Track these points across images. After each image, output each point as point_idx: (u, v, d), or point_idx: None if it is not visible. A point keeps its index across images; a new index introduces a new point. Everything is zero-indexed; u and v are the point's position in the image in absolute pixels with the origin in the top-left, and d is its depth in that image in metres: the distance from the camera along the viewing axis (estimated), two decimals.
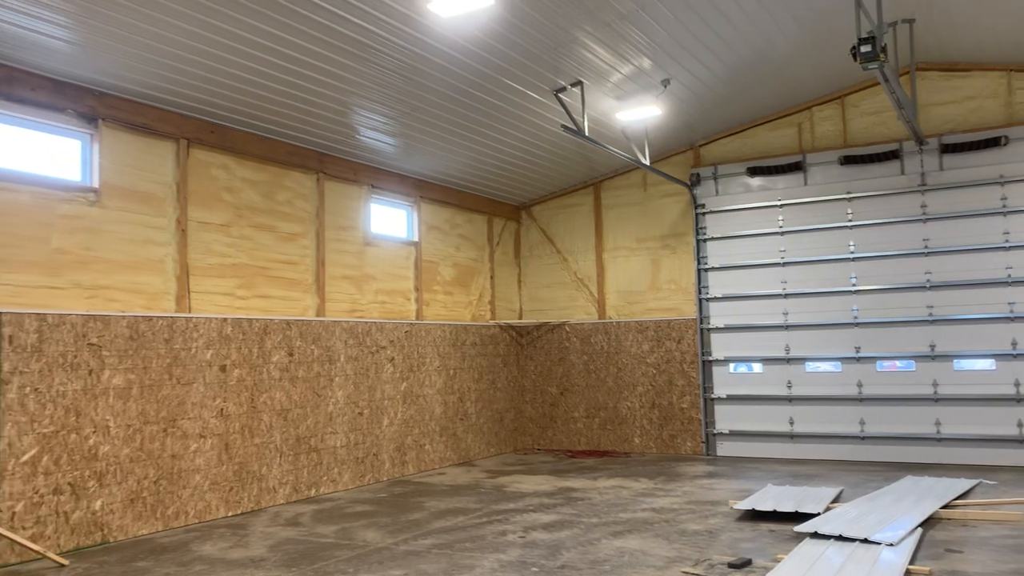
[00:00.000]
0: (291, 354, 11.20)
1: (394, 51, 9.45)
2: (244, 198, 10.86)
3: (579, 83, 11.33)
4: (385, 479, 12.73)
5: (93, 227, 9.02)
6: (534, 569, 7.29)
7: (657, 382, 15.27)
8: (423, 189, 14.25)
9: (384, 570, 7.39)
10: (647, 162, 13.37)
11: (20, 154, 8.57)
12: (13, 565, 7.84)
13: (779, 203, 14.47)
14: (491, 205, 16.11)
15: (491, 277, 16.10)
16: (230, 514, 10.15)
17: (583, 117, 11.57)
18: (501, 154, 13.69)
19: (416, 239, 14.14)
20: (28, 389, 8.15)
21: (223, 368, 10.20)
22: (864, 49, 8.61)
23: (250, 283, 10.86)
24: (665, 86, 11.98)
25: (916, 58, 12.25)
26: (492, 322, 15.87)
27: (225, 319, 10.29)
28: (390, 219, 13.81)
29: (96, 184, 9.10)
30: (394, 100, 10.87)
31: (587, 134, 11.69)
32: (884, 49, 8.65)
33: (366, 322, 12.62)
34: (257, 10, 8.10)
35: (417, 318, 13.96)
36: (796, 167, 14.34)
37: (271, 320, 10.94)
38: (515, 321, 16.24)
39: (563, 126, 11.41)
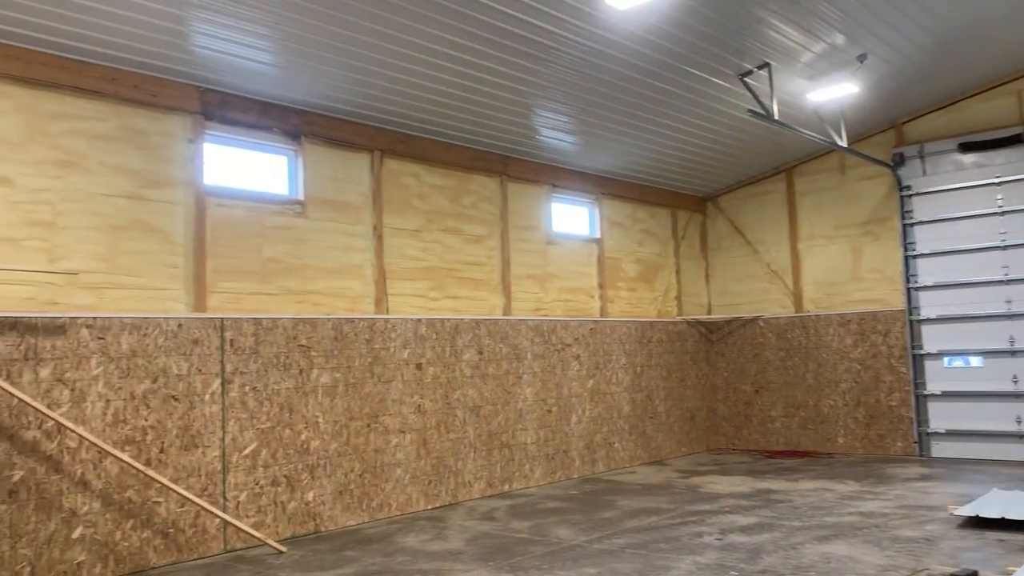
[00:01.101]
0: (481, 352, 11.48)
1: (572, 48, 9.44)
2: (433, 203, 11.25)
3: (766, 65, 10.80)
4: (575, 476, 12.76)
5: (299, 237, 9.67)
6: (733, 573, 7.01)
7: (862, 378, 14.30)
8: (604, 185, 14.16)
9: (578, 568, 7.38)
10: (844, 143, 12.55)
11: (235, 172, 9.34)
12: (239, 550, 8.55)
13: (997, 180, 13.12)
14: (674, 198, 15.75)
15: (676, 272, 15.74)
16: (429, 507, 10.55)
17: (771, 100, 11.02)
18: (684, 145, 13.35)
19: (598, 236, 14.07)
20: (247, 388, 8.86)
21: (419, 366, 10.62)
22: None
23: (441, 285, 11.24)
24: (861, 62, 11.17)
25: None
26: (679, 318, 15.51)
27: (419, 320, 10.71)
28: (571, 217, 13.83)
29: (301, 196, 9.75)
30: (573, 98, 10.87)
31: (776, 118, 11.13)
32: None
33: (551, 320, 12.71)
34: (442, 21, 8.35)
35: (601, 315, 13.89)
36: (1016, 140, 12.93)
37: (461, 320, 11.27)
38: (704, 317, 15.78)
39: (750, 111, 10.95)
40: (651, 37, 9.50)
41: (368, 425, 9.96)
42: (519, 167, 12.53)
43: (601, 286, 13.96)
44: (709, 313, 16.38)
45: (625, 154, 13.33)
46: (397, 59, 8.99)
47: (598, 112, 11.44)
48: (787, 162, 15.26)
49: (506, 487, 11.63)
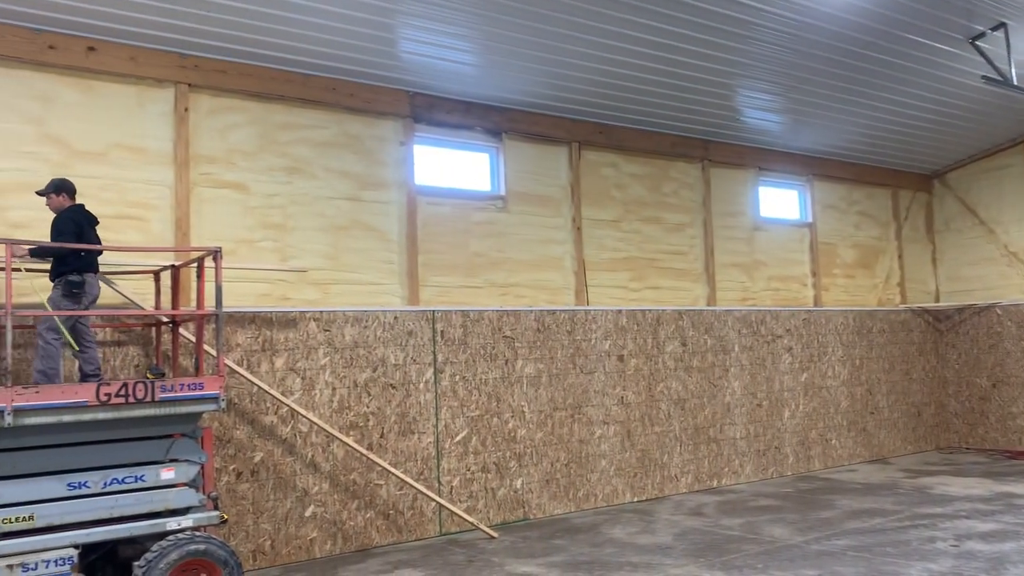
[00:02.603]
0: (684, 344, 11.22)
1: (778, 23, 8.97)
2: (631, 193, 11.13)
3: (1001, 25, 9.72)
4: (789, 474, 12.17)
5: (502, 231, 9.90)
6: None
7: None
8: (815, 166, 13.36)
9: (795, 569, 7.02)
10: None
11: (441, 171, 9.72)
12: (453, 533, 8.90)
13: None
14: (895, 176, 14.57)
15: (899, 256, 14.57)
16: (635, 499, 10.46)
17: (1009, 64, 9.91)
18: (905, 119, 12.31)
19: (810, 220, 13.32)
20: (458, 377, 9.20)
21: (620, 358, 10.56)
22: None
23: (641, 275, 11.10)
24: None
25: None
26: (902, 306, 14.35)
27: (620, 311, 10.64)
28: (779, 201, 13.18)
29: (503, 192, 9.98)
30: (780, 75, 10.34)
31: (1016, 83, 10.00)
32: None
33: (759, 310, 12.19)
34: (638, 6, 8.23)
35: (815, 304, 13.13)
36: None
37: (663, 311, 11.07)
38: (931, 304, 14.51)
39: (984, 77, 9.91)
40: (866, 5, 8.83)
41: (572, 415, 10.04)
42: (722, 151, 12.11)
43: (814, 273, 13.20)
44: (937, 300, 15.03)
45: (839, 132, 12.51)
46: (594, 48, 8.96)
47: (808, 88, 10.80)
48: None
49: (714, 483, 11.31)
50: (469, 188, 9.85)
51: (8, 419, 5.43)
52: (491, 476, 9.30)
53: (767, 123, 11.86)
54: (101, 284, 6.69)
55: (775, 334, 12.31)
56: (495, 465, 9.35)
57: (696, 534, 8.51)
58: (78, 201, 6.60)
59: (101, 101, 7.53)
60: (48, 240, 6.28)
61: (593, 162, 10.79)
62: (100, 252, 6.50)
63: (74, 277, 6.17)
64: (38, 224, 7.07)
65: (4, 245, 5.79)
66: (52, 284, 6.28)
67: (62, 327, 6.08)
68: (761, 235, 12.59)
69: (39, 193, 6.51)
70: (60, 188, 6.48)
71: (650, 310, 10.94)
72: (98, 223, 6.62)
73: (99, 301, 7.18)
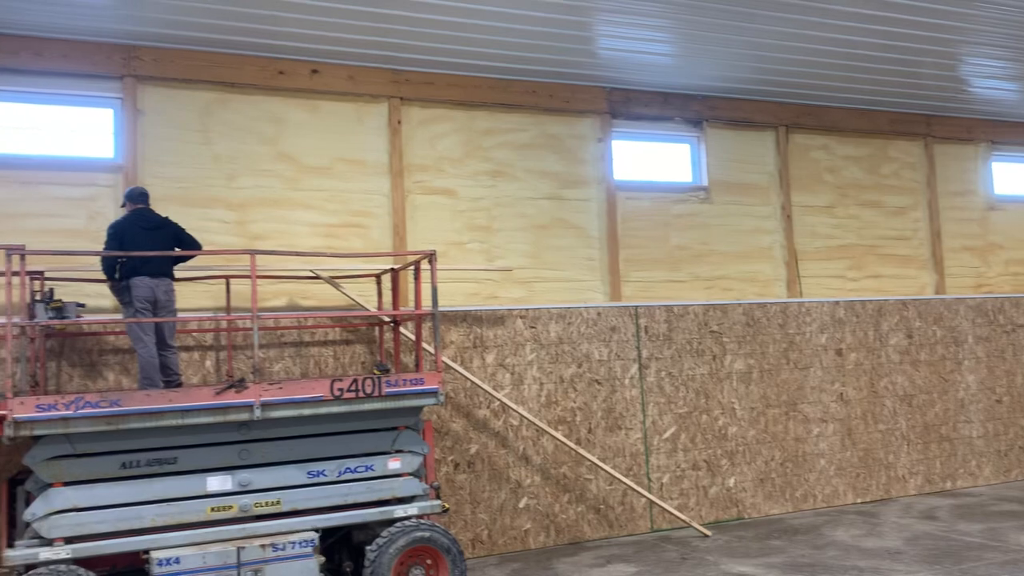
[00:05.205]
0: (910, 336, 10.43)
1: None
2: (846, 176, 10.50)
3: None
4: None
5: (704, 223, 9.68)
6: None
7: None
8: None
9: None
10: None
11: (639, 165, 9.65)
12: (664, 530, 8.82)
13: None
14: None
15: None
16: (858, 501, 9.86)
17: None
18: None
19: None
20: (663, 373, 9.10)
21: (839, 352, 9.99)
22: None
23: (859, 263, 10.45)
24: None
25: None
26: None
27: (837, 302, 10.07)
28: (1018, 177, 11.91)
29: (704, 182, 9.76)
30: (1012, 39, 9.31)
31: None
32: None
33: (996, 297, 11.08)
34: None
35: None
36: None
37: (885, 301, 10.35)
38: None
39: None
40: None
41: (786, 413, 9.62)
42: (947, 126, 11.13)
43: None
44: None
45: None
46: (798, 27, 8.51)
47: None
48: None
49: (948, 484, 10.42)
50: (669, 180, 9.71)
51: (257, 412, 6.01)
52: (702, 474, 9.12)
53: (999, 92, 10.74)
54: (333, 287, 7.19)
55: (1016, 323, 11.15)
56: (706, 463, 9.16)
57: (929, 539, 7.88)
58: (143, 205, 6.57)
59: (324, 119, 8.16)
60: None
61: (802, 145, 10.29)
62: (148, 257, 6.29)
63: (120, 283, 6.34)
64: (276, 235, 7.80)
65: (250, 256, 6.40)
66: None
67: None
68: (996, 215, 11.44)
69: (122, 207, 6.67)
70: (126, 198, 6.61)
71: (871, 301, 10.27)
72: (162, 227, 6.50)
73: (328, 303, 7.82)
